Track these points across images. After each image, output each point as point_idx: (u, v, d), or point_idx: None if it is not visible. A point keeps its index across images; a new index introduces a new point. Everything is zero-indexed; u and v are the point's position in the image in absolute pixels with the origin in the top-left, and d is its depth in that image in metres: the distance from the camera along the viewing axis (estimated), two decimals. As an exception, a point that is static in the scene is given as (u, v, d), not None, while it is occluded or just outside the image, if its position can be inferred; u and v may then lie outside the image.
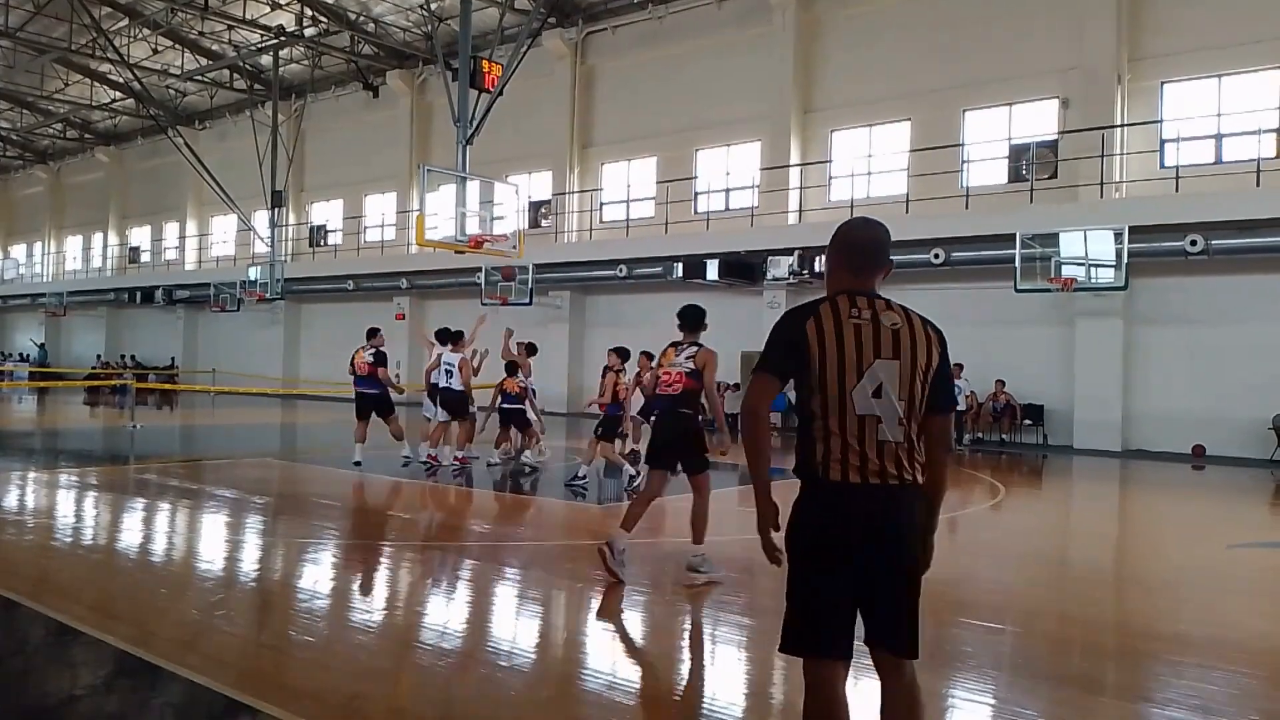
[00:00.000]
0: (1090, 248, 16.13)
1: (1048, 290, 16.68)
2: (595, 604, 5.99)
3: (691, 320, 6.74)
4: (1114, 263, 15.97)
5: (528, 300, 23.17)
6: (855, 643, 2.75)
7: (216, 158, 30.25)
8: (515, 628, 5.49)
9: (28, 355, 41.27)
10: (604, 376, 11.48)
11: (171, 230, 38.34)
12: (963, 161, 19.45)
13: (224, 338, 34.60)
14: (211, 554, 7.37)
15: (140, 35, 29.57)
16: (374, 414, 12.32)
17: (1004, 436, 18.34)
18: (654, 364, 7.09)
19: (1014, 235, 16.61)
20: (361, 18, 27.70)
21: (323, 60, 30.26)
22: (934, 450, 2.83)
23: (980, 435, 18.41)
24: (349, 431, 12.71)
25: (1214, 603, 6.41)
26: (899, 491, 2.70)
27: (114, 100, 35.39)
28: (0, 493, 9.92)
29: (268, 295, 28.92)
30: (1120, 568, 8.15)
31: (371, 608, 5.87)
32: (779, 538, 2.84)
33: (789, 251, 20.05)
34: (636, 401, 11.03)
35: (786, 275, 20.13)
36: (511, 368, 12.46)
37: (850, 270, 2.88)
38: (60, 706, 4.00)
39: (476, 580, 6.63)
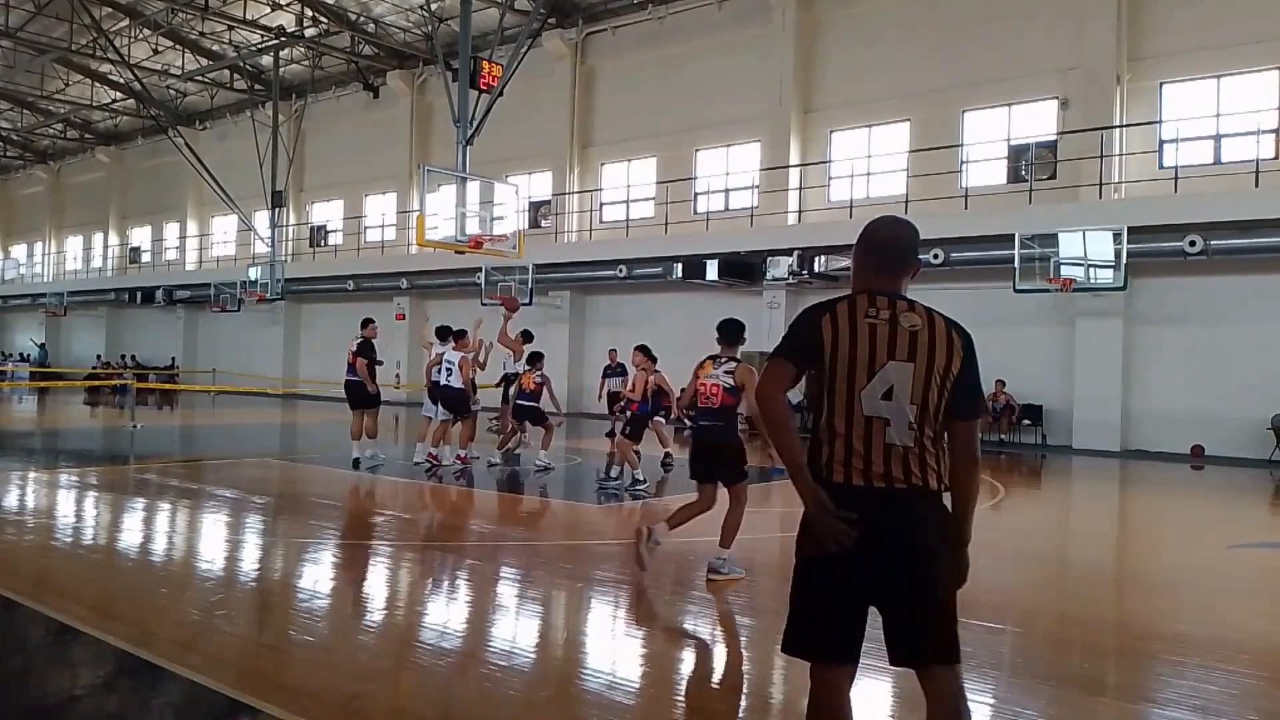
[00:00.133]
0: (1089, 248, 16.13)
1: (1047, 290, 16.68)
2: (595, 604, 5.99)
3: (730, 334, 6.73)
4: (1113, 263, 15.97)
5: (528, 300, 23.15)
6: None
7: (217, 158, 30.26)
8: (515, 628, 5.49)
9: (28, 355, 41.28)
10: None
11: (172, 230, 38.35)
12: (962, 162, 19.46)
13: (224, 338, 34.61)
14: (211, 554, 7.37)
15: (141, 35, 29.58)
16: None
17: (1003, 436, 18.35)
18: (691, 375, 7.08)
19: (1013, 235, 16.62)
20: (361, 18, 27.71)
21: (323, 60, 30.27)
22: (955, 458, 2.76)
23: (980, 435, 18.39)
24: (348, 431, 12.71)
25: (1214, 603, 6.41)
26: (905, 496, 2.63)
27: (114, 100, 35.41)
28: (0, 493, 9.92)
29: (268, 295, 28.91)
30: (1120, 568, 8.15)
31: (371, 608, 5.88)
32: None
33: (789, 252, 20.05)
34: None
35: (786, 275, 20.13)
36: (535, 357, 12.52)
37: (873, 269, 2.82)
38: (60, 706, 4.00)
39: (476, 580, 6.63)
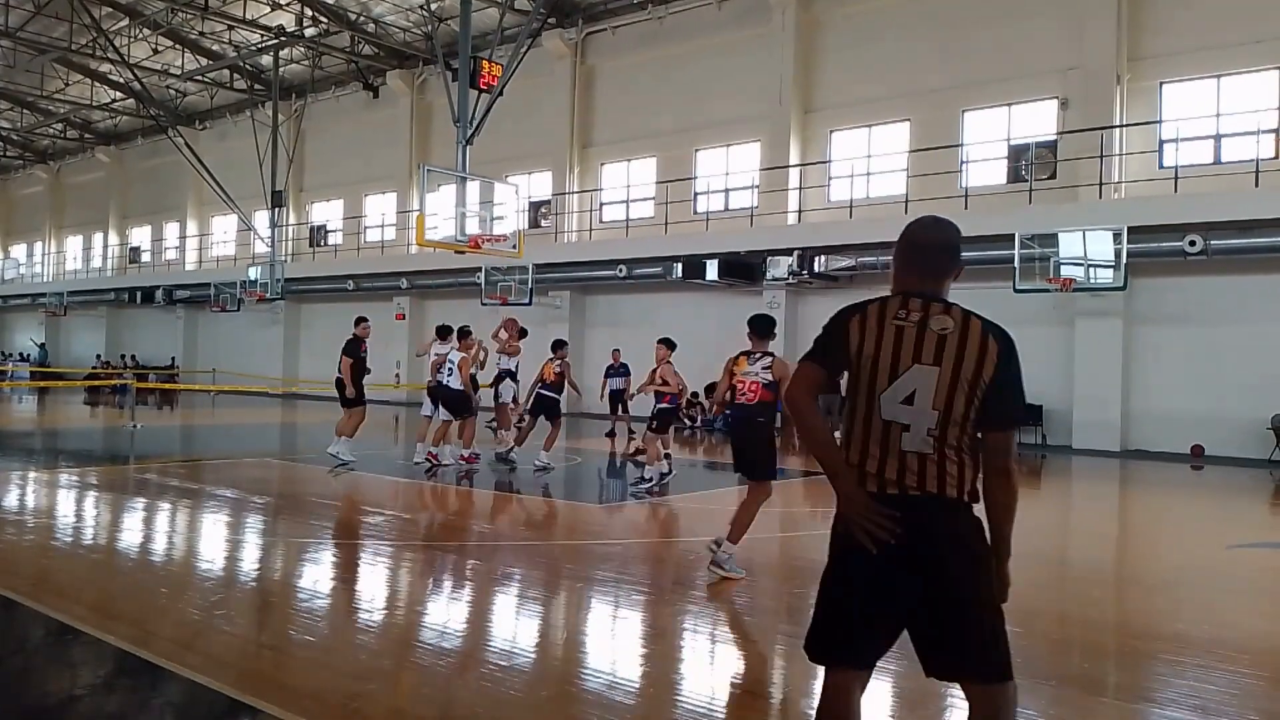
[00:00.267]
0: (1089, 248, 16.13)
1: (1047, 290, 16.68)
2: (595, 604, 5.99)
3: (762, 328, 6.85)
4: (1113, 263, 15.97)
5: (528, 300, 23.17)
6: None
7: (216, 158, 30.24)
8: (515, 628, 5.49)
9: (28, 355, 41.28)
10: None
11: (172, 230, 38.34)
12: (962, 162, 19.45)
13: (224, 338, 34.60)
14: (211, 554, 7.37)
15: (140, 35, 29.57)
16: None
17: (1003, 437, 18.31)
18: (725, 371, 7.17)
19: (1013, 235, 16.61)
20: (361, 18, 27.70)
21: (323, 60, 30.26)
22: (985, 470, 2.64)
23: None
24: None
25: (1214, 603, 6.41)
26: (922, 504, 2.54)
27: (114, 100, 35.39)
28: (0, 493, 9.92)
29: (268, 295, 28.90)
30: (1120, 568, 8.15)
31: (371, 608, 5.87)
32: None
33: (788, 252, 20.05)
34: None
35: (786, 275, 20.13)
36: (558, 344, 12.62)
37: (913, 271, 2.72)
38: (60, 706, 4.00)
39: (476, 580, 6.63)
